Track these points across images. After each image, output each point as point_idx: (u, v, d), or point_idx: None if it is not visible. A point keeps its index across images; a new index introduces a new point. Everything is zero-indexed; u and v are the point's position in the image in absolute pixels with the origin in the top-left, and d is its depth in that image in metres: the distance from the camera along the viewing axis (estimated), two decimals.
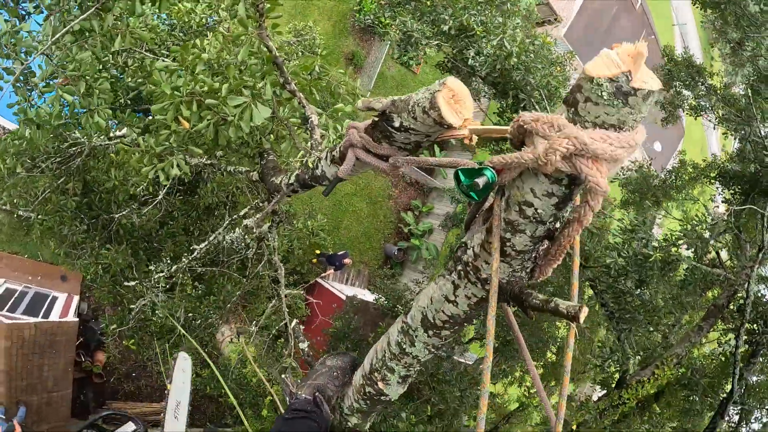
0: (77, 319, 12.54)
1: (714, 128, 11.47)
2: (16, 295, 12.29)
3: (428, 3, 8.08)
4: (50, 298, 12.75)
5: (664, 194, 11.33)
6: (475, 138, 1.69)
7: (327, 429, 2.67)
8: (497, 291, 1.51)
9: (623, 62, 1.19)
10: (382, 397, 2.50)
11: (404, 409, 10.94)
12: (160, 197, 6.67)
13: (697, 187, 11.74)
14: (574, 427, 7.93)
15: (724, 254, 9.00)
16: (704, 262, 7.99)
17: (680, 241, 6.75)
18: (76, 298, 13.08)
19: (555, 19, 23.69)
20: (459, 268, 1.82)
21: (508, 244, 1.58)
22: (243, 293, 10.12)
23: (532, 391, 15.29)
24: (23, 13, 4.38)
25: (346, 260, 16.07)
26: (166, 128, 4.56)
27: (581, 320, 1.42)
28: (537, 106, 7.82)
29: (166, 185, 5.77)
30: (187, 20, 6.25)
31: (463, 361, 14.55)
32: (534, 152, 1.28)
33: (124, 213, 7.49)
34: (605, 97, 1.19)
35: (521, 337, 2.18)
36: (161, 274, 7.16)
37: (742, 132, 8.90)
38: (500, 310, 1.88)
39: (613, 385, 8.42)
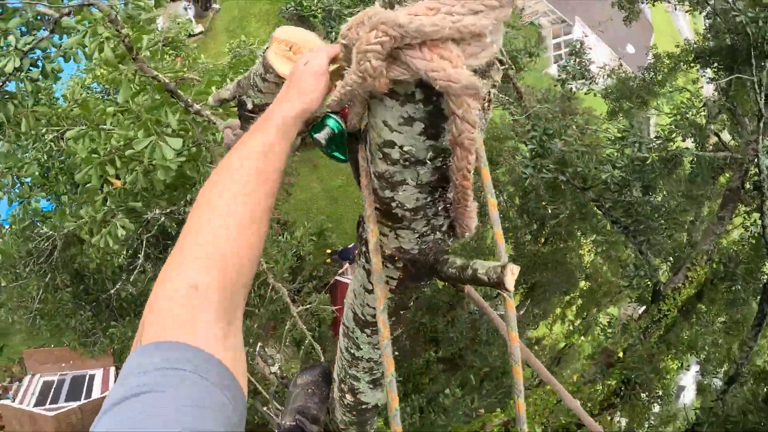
0: None
1: (675, 10, 10.93)
2: (54, 385, 12.64)
3: None
4: (87, 377, 12.98)
5: (648, 92, 10.83)
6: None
7: None
8: (382, 275, 1.09)
9: None
10: (364, 406, 2.21)
11: (449, 383, 10.68)
12: (140, 260, 6.50)
13: (679, 77, 11.25)
14: (620, 354, 7.53)
15: (725, 136, 8.53)
16: (707, 149, 7.52)
17: (673, 134, 6.28)
18: (112, 369, 13.19)
19: None
20: (365, 249, 1.39)
21: (394, 203, 1.14)
22: (265, 321, 10.04)
23: (576, 323, 14.99)
24: None
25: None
26: (98, 193, 4.38)
27: (509, 286, 0.99)
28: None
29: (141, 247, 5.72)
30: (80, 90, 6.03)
31: (500, 313, 14.22)
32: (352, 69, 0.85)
33: (117, 287, 7.46)
34: None
35: (498, 317, 1.76)
36: None
37: (708, 7, 8.36)
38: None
39: (650, 301, 8.00)
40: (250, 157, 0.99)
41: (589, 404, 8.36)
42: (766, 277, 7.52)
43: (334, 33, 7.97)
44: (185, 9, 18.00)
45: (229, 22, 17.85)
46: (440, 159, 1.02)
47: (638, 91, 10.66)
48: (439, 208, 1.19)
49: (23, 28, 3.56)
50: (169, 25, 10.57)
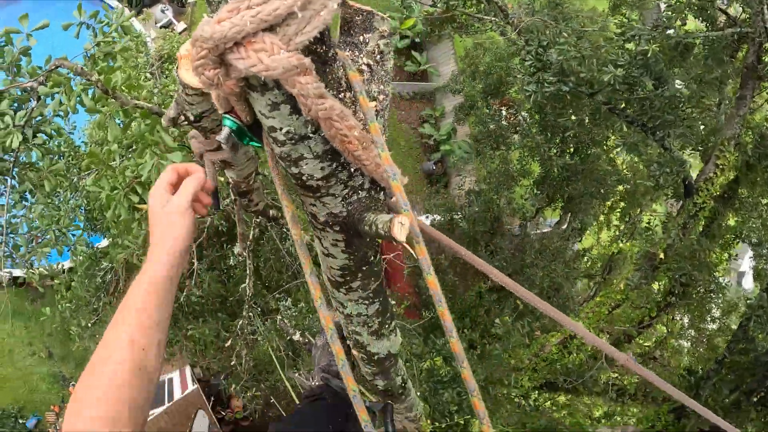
0: (197, 386, 13.01)
1: None
2: None
3: None
4: (166, 381, 13.32)
5: None
6: None
7: (345, 399, 2.68)
8: (303, 242, 1.16)
9: None
10: (377, 356, 2.26)
11: (502, 312, 10.81)
12: (195, 264, 6.69)
13: None
14: (661, 256, 7.44)
15: (736, 8, 8.10)
16: (717, 27, 7.16)
17: (671, 20, 6.01)
18: (188, 369, 13.59)
19: None
20: (310, 218, 1.46)
21: (304, 177, 1.18)
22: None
23: (621, 228, 14.79)
24: None
25: None
26: (132, 221, 4.55)
27: (400, 237, 1.03)
28: None
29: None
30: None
31: (539, 231, 14.20)
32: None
33: (184, 294, 7.77)
34: None
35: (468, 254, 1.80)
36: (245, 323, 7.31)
37: None
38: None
39: (683, 196, 7.82)
40: (122, 348, 1.06)
41: (646, 307, 8.34)
42: None
43: None
44: (163, 12, 17.86)
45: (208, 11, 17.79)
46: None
47: None
48: (353, 170, 1.23)
49: (15, 105, 3.65)
50: (160, 44, 10.47)
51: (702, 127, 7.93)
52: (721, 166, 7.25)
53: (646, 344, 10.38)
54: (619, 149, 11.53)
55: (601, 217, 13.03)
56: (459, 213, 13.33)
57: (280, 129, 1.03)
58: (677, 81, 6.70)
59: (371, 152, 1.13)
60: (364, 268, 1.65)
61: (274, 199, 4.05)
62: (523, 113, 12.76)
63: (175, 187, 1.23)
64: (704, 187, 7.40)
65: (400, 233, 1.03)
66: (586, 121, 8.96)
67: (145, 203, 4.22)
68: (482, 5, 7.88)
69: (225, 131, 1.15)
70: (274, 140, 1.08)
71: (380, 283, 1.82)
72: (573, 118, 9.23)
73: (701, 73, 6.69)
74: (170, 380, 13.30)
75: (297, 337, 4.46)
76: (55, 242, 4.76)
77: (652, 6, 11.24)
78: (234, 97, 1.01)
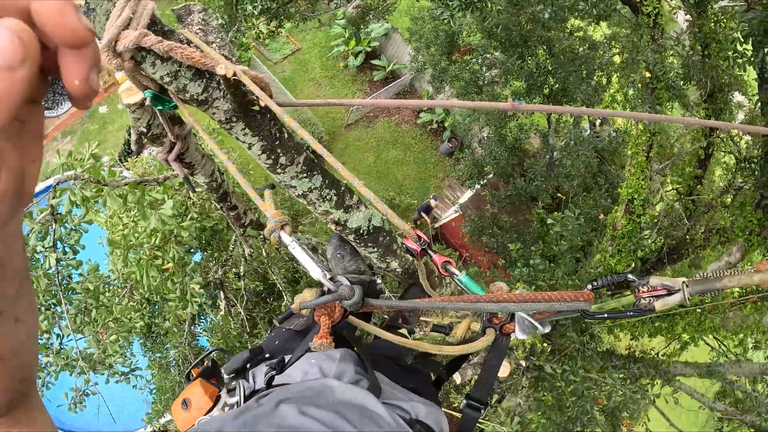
0: None
1: None
2: None
3: None
4: None
5: None
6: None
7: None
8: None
9: None
10: (363, 230, 2.64)
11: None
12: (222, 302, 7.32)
13: None
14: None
15: None
16: None
17: None
18: None
19: None
20: (221, 126, 2.24)
21: (194, 96, 1.96)
22: None
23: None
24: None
25: (432, 202, 16.36)
26: (165, 282, 5.40)
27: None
28: None
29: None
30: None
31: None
32: None
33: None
34: None
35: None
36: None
37: None
38: None
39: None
40: None
41: None
42: None
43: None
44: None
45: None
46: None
47: None
48: (216, 82, 2.02)
49: (40, 236, 4.52)
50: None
51: None
52: None
53: None
54: (583, 25, 11.78)
55: (607, 95, 13.16)
56: (484, 164, 13.93)
57: (164, 73, 1.84)
58: None
59: (208, 61, 1.91)
60: (278, 143, 2.33)
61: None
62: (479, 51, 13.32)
63: None
64: None
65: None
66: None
67: (170, 263, 5.09)
68: None
69: (147, 100, 1.96)
70: (167, 83, 1.88)
71: (310, 159, 2.37)
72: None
73: None
74: None
75: None
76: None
77: None
78: (137, 75, 1.82)
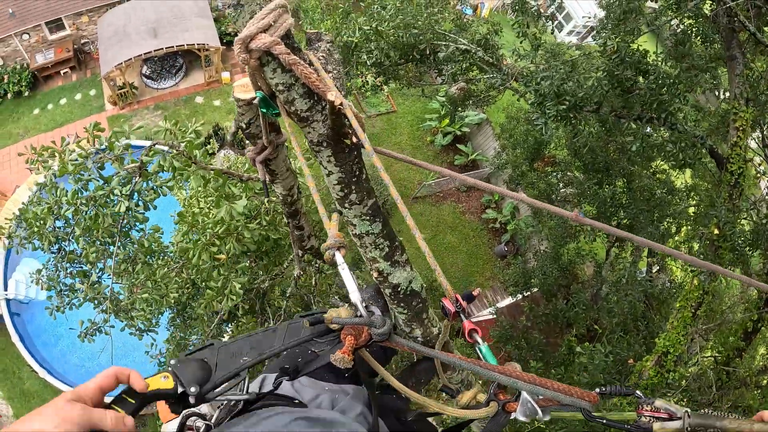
0: None
1: None
2: None
3: None
4: None
5: None
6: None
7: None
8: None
9: None
10: (401, 289, 2.66)
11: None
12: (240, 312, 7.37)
13: None
14: (715, 231, 7.50)
15: None
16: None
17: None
18: None
19: None
20: (309, 146, 2.35)
21: (298, 111, 2.10)
22: None
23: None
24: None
25: (474, 292, 16.18)
26: (211, 269, 5.52)
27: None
28: None
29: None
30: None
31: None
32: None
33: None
34: None
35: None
36: None
37: None
38: None
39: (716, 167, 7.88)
40: None
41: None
42: None
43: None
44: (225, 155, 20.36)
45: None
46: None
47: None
48: (323, 104, 2.14)
49: (123, 181, 4.74)
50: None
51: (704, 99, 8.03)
52: (741, 127, 7.30)
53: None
54: (668, 168, 11.74)
55: (671, 242, 12.92)
56: (533, 275, 13.73)
57: (280, 82, 2.01)
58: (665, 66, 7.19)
59: (321, 85, 2.04)
60: (355, 179, 2.42)
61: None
62: (563, 164, 13.40)
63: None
64: (734, 153, 7.43)
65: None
66: (598, 135, 9.40)
67: (223, 255, 5.18)
68: (485, 71, 8.92)
69: (256, 100, 2.11)
70: (279, 91, 2.05)
71: (377, 205, 2.46)
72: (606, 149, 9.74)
73: (692, 58, 7.18)
74: None
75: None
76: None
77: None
78: (257, 74, 1.98)
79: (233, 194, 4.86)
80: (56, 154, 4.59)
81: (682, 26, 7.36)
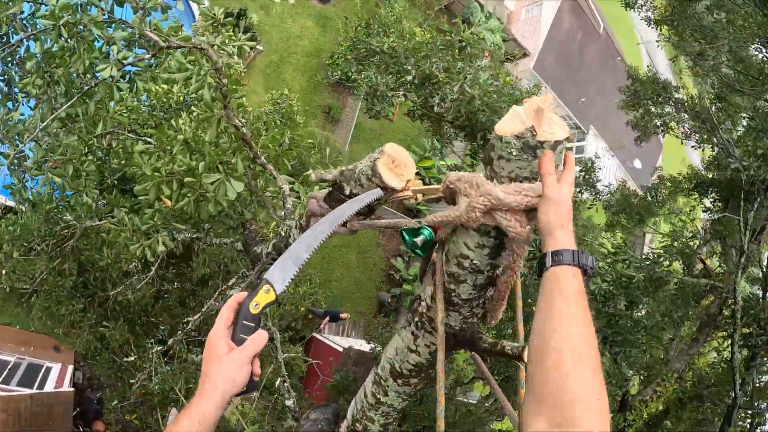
0: (73, 390, 12.32)
1: (682, 143, 11.68)
2: (9, 366, 12.05)
3: (391, 54, 8.30)
4: (44, 368, 12.53)
5: (647, 211, 11.47)
6: (419, 196, 1.76)
7: None
8: (444, 339, 1.59)
9: (528, 118, 1.29)
10: None
11: None
12: (152, 273, 6.71)
13: (679, 199, 11.87)
14: None
15: (714, 262, 9.05)
16: (694, 273, 8.04)
17: (662, 259, 6.82)
18: (70, 368, 12.83)
19: (523, 54, 24.31)
20: (416, 319, 1.90)
21: (453, 294, 1.65)
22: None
23: None
24: (15, 98, 4.55)
25: (343, 315, 15.94)
26: (150, 207, 4.75)
27: (525, 359, 1.49)
28: None
29: (155, 260, 5.80)
30: (165, 100, 6.35)
31: (466, 401, 14.40)
32: (459, 210, 1.37)
33: (119, 290, 7.58)
34: (515, 154, 1.29)
35: (491, 377, 2.25)
36: (159, 348, 7.29)
37: (713, 139, 9.08)
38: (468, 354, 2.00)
39: (617, 409, 8.33)
40: None
41: None
42: (730, 401, 7.86)
43: (374, 110, 8.54)
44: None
45: (267, 65, 18.71)
46: (492, 271, 1.55)
47: (638, 209, 11.31)
48: (481, 302, 1.70)
49: (123, 42, 3.85)
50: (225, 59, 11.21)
51: (649, 356, 8.53)
52: (658, 393, 7.81)
53: None
54: None
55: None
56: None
57: (471, 260, 1.52)
58: (645, 309, 7.40)
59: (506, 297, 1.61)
60: (431, 371, 2.07)
61: None
62: None
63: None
64: (638, 407, 7.91)
65: (526, 356, 1.49)
66: None
67: (170, 200, 4.37)
68: None
69: (422, 238, 1.63)
70: (458, 263, 1.57)
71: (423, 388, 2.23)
72: None
73: (670, 309, 7.42)
74: (49, 369, 12.48)
75: (290, 402, 4.60)
76: (69, 177, 4.76)
77: (638, 234, 12.32)
78: (454, 225, 1.49)
79: (237, 168, 4.12)
80: None
81: None
